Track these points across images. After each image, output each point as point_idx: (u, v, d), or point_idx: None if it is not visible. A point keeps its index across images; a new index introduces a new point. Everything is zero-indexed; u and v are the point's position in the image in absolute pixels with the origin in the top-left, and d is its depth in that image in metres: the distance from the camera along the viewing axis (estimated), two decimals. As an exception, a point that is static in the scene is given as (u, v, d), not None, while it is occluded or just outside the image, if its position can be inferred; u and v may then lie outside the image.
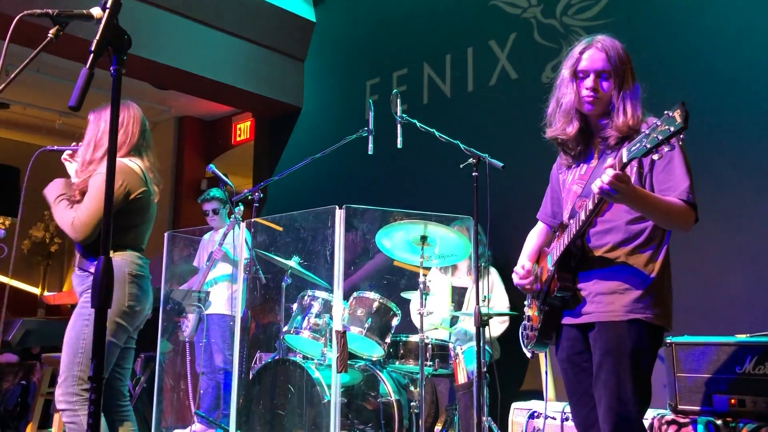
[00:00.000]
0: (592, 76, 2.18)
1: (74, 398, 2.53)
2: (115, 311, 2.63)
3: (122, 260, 2.69)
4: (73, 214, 2.61)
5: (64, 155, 2.84)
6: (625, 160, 1.88)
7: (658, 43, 4.27)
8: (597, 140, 2.27)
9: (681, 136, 1.73)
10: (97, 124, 2.79)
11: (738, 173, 3.83)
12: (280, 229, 4.47)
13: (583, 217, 2.07)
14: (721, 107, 3.89)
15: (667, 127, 1.74)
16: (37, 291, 9.35)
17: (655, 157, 1.81)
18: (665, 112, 1.76)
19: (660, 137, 1.75)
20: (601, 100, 2.19)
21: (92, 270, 2.64)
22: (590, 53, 2.20)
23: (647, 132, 1.79)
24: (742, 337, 2.92)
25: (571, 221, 2.16)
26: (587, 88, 2.18)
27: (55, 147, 2.82)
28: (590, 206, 2.03)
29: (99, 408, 1.30)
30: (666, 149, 1.77)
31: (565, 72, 2.25)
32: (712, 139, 3.89)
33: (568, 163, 2.33)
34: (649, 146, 1.78)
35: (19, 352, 5.89)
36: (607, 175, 1.89)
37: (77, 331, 2.59)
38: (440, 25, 5.63)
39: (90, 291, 2.55)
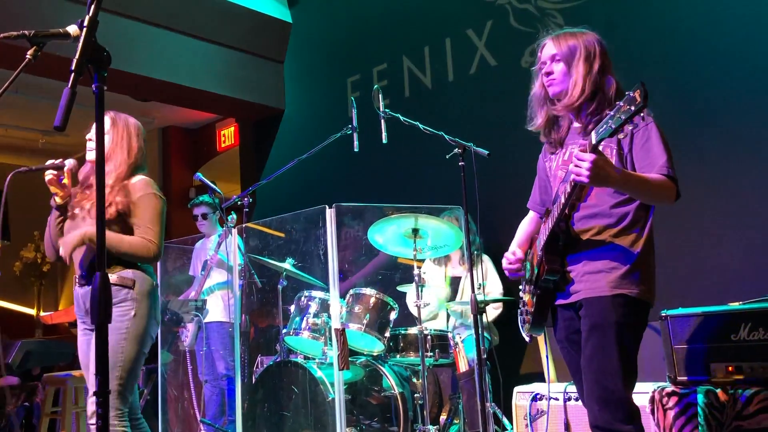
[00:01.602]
0: (547, 62, 2.33)
1: (114, 412, 2.59)
2: (146, 324, 2.70)
3: (146, 274, 2.78)
4: (143, 241, 2.69)
5: (49, 176, 2.76)
6: (593, 141, 1.94)
7: (632, 22, 4.31)
8: (574, 126, 2.32)
9: (642, 114, 1.82)
10: (122, 133, 2.84)
11: (721, 143, 3.87)
12: (281, 234, 4.48)
13: (562, 200, 2.11)
14: (700, 80, 3.92)
15: (629, 107, 1.81)
16: (32, 312, 9.31)
17: (621, 136, 1.92)
18: (627, 92, 1.82)
19: (623, 117, 1.82)
20: (555, 81, 2.30)
21: (127, 281, 2.69)
22: (544, 47, 2.37)
23: (612, 113, 1.86)
24: (735, 305, 2.96)
25: (554, 206, 2.20)
26: (545, 74, 2.33)
27: (32, 168, 2.77)
28: (568, 189, 2.08)
29: (107, 423, 1.31)
30: (630, 127, 1.87)
31: (535, 69, 2.41)
32: (694, 111, 3.92)
33: (551, 150, 2.40)
34: (614, 126, 1.86)
35: (20, 374, 5.88)
36: (576, 158, 1.96)
37: (114, 345, 2.59)
38: (417, 18, 5.64)
39: (123, 304, 2.65)
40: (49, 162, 2.77)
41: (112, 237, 2.63)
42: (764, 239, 3.68)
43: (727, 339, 2.89)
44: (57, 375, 4.86)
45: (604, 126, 1.89)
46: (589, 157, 1.93)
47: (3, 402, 5.48)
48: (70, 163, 2.76)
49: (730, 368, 2.85)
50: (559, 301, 2.28)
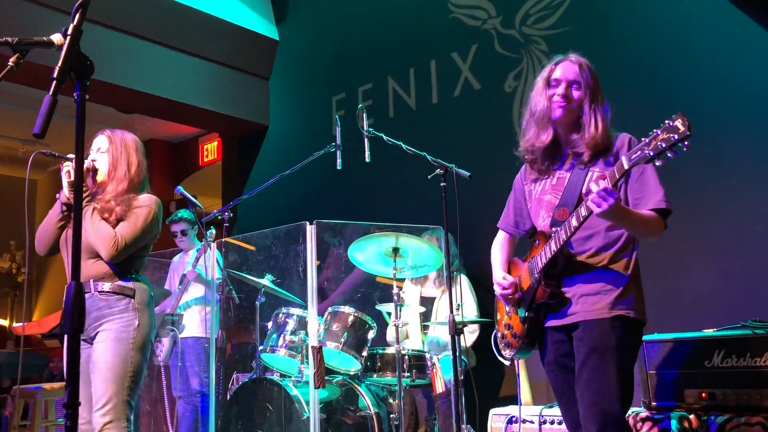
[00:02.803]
0: (563, 84, 2.28)
1: (124, 423, 2.56)
2: (148, 332, 2.72)
3: (144, 286, 2.78)
4: (113, 231, 2.67)
5: (68, 167, 2.70)
6: (626, 166, 1.95)
7: (614, 51, 4.38)
8: (567, 152, 2.33)
9: (686, 143, 1.82)
10: (119, 149, 2.84)
11: (698, 170, 3.93)
12: (253, 248, 4.46)
13: (575, 223, 2.12)
14: (680, 108, 3.97)
15: (669, 134, 1.82)
16: (5, 323, 9.15)
17: (658, 163, 1.89)
18: (665, 121, 1.83)
19: (663, 145, 1.83)
20: (570, 108, 2.26)
21: (128, 290, 2.70)
22: (564, 64, 2.31)
23: (647, 141, 1.87)
24: (709, 332, 3.00)
25: (555, 229, 2.20)
26: (558, 94, 2.27)
27: (55, 153, 2.71)
28: (584, 213, 2.08)
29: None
30: (669, 155, 1.85)
31: (539, 81, 2.35)
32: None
33: (536, 176, 2.39)
34: (652, 154, 1.86)
35: (-11, 385, 5.76)
36: (602, 189, 1.95)
37: (123, 356, 2.61)
38: (403, 39, 5.70)
39: (125, 314, 2.64)
40: (72, 155, 2.71)
41: (98, 222, 2.67)
42: (739, 266, 3.73)
43: (700, 365, 2.92)
44: (27, 388, 4.77)
45: (639, 152, 1.89)
46: (614, 192, 1.95)
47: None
48: (87, 162, 2.76)
49: (703, 394, 2.88)
50: (551, 323, 2.28)
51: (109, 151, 2.83)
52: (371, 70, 5.88)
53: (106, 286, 2.69)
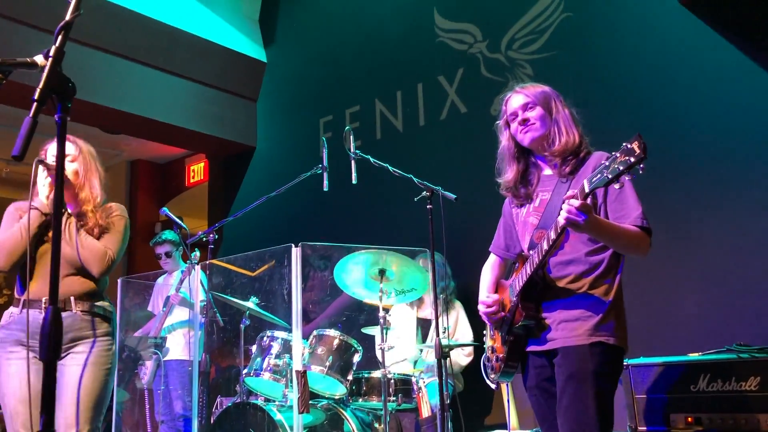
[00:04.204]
0: (519, 112, 2.36)
1: None
2: (112, 359, 2.66)
3: (111, 307, 2.73)
4: (103, 247, 2.62)
5: (49, 178, 2.59)
6: (587, 190, 1.96)
7: (599, 75, 4.43)
8: (546, 174, 2.36)
9: (641, 165, 1.81)
10: (88, 158, 2.75)
11: (684, 196, 3.96)
12: (250, 273, 4.41)
13: (545, 246, 2.13)
14: (663, 133, 4.03)
15: (626, 157, 1.82)
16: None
17: (617, 186, 1.90)
18: (623, 143, 1.84)
19: (621, 167, 1.83)
20: (534, 126, 2.33)
21: (108, 312, 2.66)
22: (510, 98, 2.42)
23: (606, 163, 1.88)
24: (694, 356, 3.00)
25: (532, 252, 2.21)
26: (519, 123, 2.36)
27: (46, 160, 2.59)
28: (552, 236, 2.09)
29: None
30: (627, 178, 1.86)
31: (499, 124, 2.46)
32: (657, 164, 4.01)
33: (520, 203, 2.42)
34: (610, 176, 1.87)
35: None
36: (571, 205, 1.97)
37: (100, 381, 2.55)
38: (390, 62, 5.73)
39: (106, 338, 2.58)
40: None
41: (82, 236, 2.61)
42: (725, 291, 3.74)
43: (686, 390, 2.91)
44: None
45: (599, 175, 1.90)
46: (580, 203, 1.96)
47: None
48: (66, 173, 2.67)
49: (689, 419, 2.87)
50: (532, 348, 2.27)
51: (79, 160, 2.72)
52: (359, 93, 5.91)
53: (87, 305, 2.61)
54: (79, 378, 2.52)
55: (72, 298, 2.59)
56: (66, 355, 2.56)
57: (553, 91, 2.40)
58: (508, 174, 2.41)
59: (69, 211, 2.67)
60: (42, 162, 2.52)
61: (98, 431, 2.54)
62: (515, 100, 2.38)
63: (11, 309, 2.62)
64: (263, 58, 6.85)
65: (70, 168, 2.68)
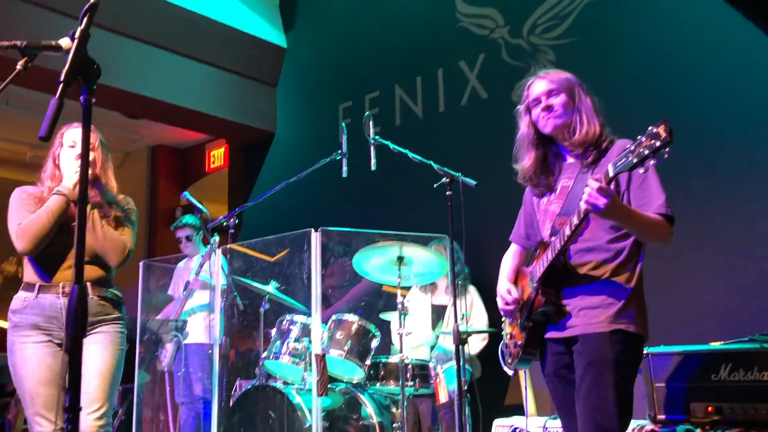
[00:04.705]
0: (543, 99, 2.31)
1: (109, 428, 2.55)
2: (124, 341, 2.75)
3: (120, 293, 2.80)
4: (122, 238, 2.68)
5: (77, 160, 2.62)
6: (611, 174, 1.94)
7: (622, 60, 4.37)
8: (568, 162, 2.34)
9: (667, 149, 1.80)
10: (101, 147, 2.76)
11: (708, 183, 3.92)
12: (270, 258, 4.43)
13: (567, 232, 2.11)
14: (687, 120, 3.98)
15: (652, 141, 1.81)
16: (9, 326, 9.15)
17: (641, 170, 1.88)
18: (649, 127, 1.82)
19: (646, 151, 1.82)
20: (558, 114, 2.29)
21: (120, 299, 2.74)
22: (533, 84, 2.37)
23: (632, 148, 1.86)
24: (716, 345, 2.97)
25: (553, 238, 2.20)
26: (542, 109, 2.31)
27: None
28: (575, 221, 2.08)
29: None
30: (651, 163, 1.84)
31: (520, 109, 2.41)
32: (681, 151, 3.96)
33: (540, 192, 2.40)
34: (635, 161, 1.85)
35: (-7, 389, 5.76)
36: (593, 188, 1.95)
37: (118, 361, 2.64)
38: (410, 48, 5.70)
39: (120, 321, 2.66)
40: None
41: (104, 227, 2.65)
42: (747, 280, 3.70)
43: (707, 379, 2.89)
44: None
45: (624, 159, 1.89)
46: (602, 185, 1.94)
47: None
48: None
49: (709, 408, 2.85)
50: (551, 334, 2.27)
51: (97, 150, 2.73)
52: (378, 79, 5.89)
53: (101, 291, 2.68)
54: (98, 358, 2.58)
55: (89, 285, 2.63)
56: (86, 336, 2.61)
57: (576, 78, 2.36)
58: (526, 161, 2.37)
59: (90, 201, 2.67)
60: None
61: (112, 409, 2.61)
62: (538, 85, 2.34)
63: (24, 294, 2.63)
64: (283, 44, 6.85)
65: (91, 157, 2.69)
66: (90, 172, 2.62)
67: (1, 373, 4.12)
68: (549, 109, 2.29)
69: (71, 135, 2.71)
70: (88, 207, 2.61)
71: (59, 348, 2.60)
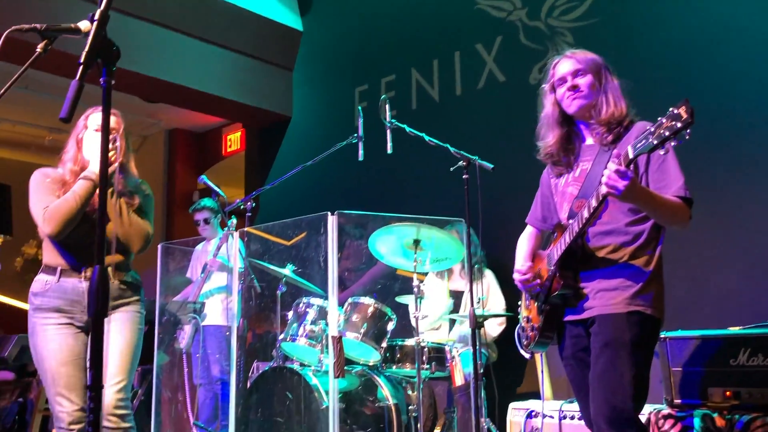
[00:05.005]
0: (569, 78, 2.30)
1: (128, 402, 2.60)
2: (143, 323, 2.80)
3: (139, 276, 2.85)
4: (146, 225, 2.72)
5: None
6: (631, 156, 1.93)
7: (642, 43, 4.32)
8: (588, 144, 2.32)
9: (688, 131, 1.78)
10: (125, 134, 2.73)
11: (729, 167, 3.87)
12: (286, 242, 4.45)
13: (586, 215, 2.10)
14: (709, 102, 3.92)
15: (673, 122, 1.79)
16: (31, 308, 9.28)
17: (661, 152, 1.87)
18: (670, 108, 1.80)
19: (666, 133, 1.80)
20: (583, 94, 2.27)
21: (140, 283, 2.78)
22: (560, 63, 2.35)
23: (652, 129, 1.85)
24: (735, 330, 2.95)
25: (571, 221, 2.19)
26: (568, 89, 2.29)
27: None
28: (594, 203, 2.07)
29: (99, 417, 1.30)
30: (672, 144, 1.82)
31: (545, 87, 2.40)
32: (702, 134, 3.91)
33: (559, 172, 2.38)
34: (655, 142, 1.83)
35: (16, 369, 5.86)
36: (612, 171, 1.94)
37: (137, 339, 2.70)
38: (427, 31, 5.66)
39: (139, 303, 2.71)
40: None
41: (129, 213, 2.67)
42: (766, 264, 3.66)
43: (725, 363, 2.87)
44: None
45: (644, 141, 1.87)
46: (622, 168, 1.93)
47: (-3, 397, 5.47)
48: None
49: (728, 393, 2.83)
50: (569, 317, 2.26)
51: (120, 134, 2.71)
52: (395, 62, 5.86)
53: (122, 275, 2.72)
54: (119, 337, 2.63)
55: (110, 269, 2.64)
56: (106, 319, 2.63)
57: (602, 59, 2.34)
58: (549, 138, 2.36)
59: (116, 188, 2.67)
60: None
61: (132, 383, 2.67)
62: (565, 65, 2.32)
63: (45, 277, 2.65)
64: (299, 27, 6.83)
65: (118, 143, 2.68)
66: (117, 159, 2.64)
67: (23, 353, 4.19)
68: (575, 89, 2.27)
69: (97, 119, 2.70)
70: (114, 195, 2.62)
71: (80, 331, 2.65)
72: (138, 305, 2.76)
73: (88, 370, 2.55)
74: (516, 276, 2.42)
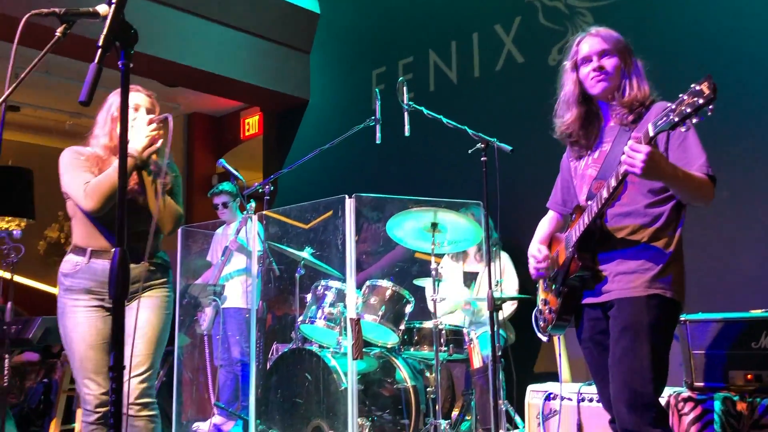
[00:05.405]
0: (594, 58, 2.24)
1: (153, 391, 2.57)
2: (172, 305, 2.78)
3: (168, 258, 2.82)
4: (178, 208, 2.71)
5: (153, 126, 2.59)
6: (651, 133, 1.89)
7: (663, 23, 4.25)
8: (608, 125, 2.29)
9: (710, 107, 1.75)
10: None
11: (749, 148, 3.81)
12: (305, 226, 4.46)
13: (605, 195, 2.08)
14: (731, 83, 3.86)
15: (694, 99, 1.76)
16: (54, 291, 9.43)
17: (683, 129, 1.83)
18: (692, 85, 1.77)
19: (688, 110, 1.77)
20: (610, 77, 2.23)
21: (168, 264, 2.75)
22: (587, 40, 2.28)
23: (673, 107, 1.82)
24: (756, 313, 2.92)
25: (590, 202, 2.17)
26: (593, 69, 2.24)
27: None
28: (613, 183, 2.04)
29: (120, 398, 1.33)
30: (693, 121, 1.79)
31: (567, 64, 2.34)
32: (724, 115, 3.85)
33: (579, 154, 2.36)
34: (676, 119, 1.80)
35: (40, 350, 5.97)
36: (633, 149, 1.90)
37: (165, 325, 2.65)
38: (444, 12, 5.61)
39: (168, 285, 2.68)
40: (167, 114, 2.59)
41: (162, 195, 2.63)
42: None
43: (747, 346, 2.85)
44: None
45: (665, 118, 1.84)
46: (645, 149, 1.89)
47: (23, 377, 5.58)
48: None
49: (749, 376, 2.81)
50: (587, 300, 2.25)
51: (157, 114, 2.69)
52: (412, 44, 5.82)
53: (153, 257, 2.68)
54: (146, 322, 2.59)
55: (143, 251, 2.62)
56: (136, 301, 2.61)
57: (623, 37, 2.29)
58: (568, 117, 2.32)
59: (152, 169, 2.65)
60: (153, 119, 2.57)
61: (158, 371, 2.65)
62: (591, 43, 2.26)
63: (75, 258, 2.63)
64: (316, 10, 6.80)
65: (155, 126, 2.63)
66: (159, 139, 2.60)
67: (47, 335, 4.25)
68: (600, 70, 2.22)
69: (135, 98, 2.68)
70: (149, 175, 2.61)
71: (109, 314, 2.61)
72: (166, 288, 2.72)
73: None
74: (531, 262, 2.41)
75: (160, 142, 2.60)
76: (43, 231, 9.37)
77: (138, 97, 2.70)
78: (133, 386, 2.50)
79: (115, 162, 2.54)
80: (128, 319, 2.54)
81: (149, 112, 2.69)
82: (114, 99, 2.72)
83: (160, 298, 2.68)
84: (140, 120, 2.61)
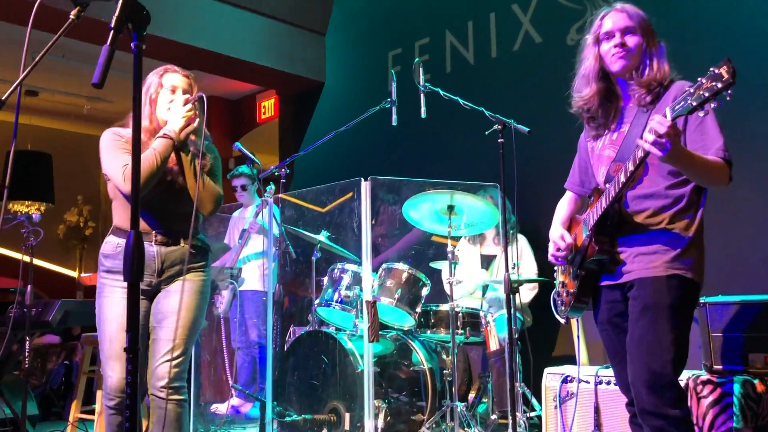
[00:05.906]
0: (617, 34, 2.20)
1: (184, 375, 2.54)
2: (208, 287, 2.73)
3: (207, 240, 2.77)
4: (218, 189, 2.64)
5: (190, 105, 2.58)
6: (669, 118, 1.86)
7: (683, 2, 4.16)
8: (627, 105, 2.25)
9: (729, 91, 1.72)
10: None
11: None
12: (321, 209, 4.45)
13: (623, 178, 2.06)
14: (754, 64, 3.78)
15: (713, 83, 1.73)
16: (74, 274, 9.57)
17: (701, 114, 1.81)
18: (710, 68, 1.74)
19: (706, 94, 1.75)
20: (630, 55, 2.19)
21: (208, 247, 2.71)
22: (611, 15, 2.24)
23: (691, 90, 1.79)
24: (777, 296, 2.88)
25: (608, 185, 2.15)
26: (615, 46, 2.20)
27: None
28: (630, 167, 2.02)
29: (137, 379, 1.33)
30: (712, 106, 1.76)
31: (588, 38, 2.29)
32: (745, 97, 3.78)
33: (596, 133, 2.32)
34: (694, 104, 1.78)
35: (61, 333, 6.06)
36: (656, 128, 1.86)
37: (201, 310, 2.62)
38: (461, -8, 5.55)
39: (206, 269, 2.63)
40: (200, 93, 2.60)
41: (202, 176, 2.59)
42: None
43: (766, 329, 2.81)
44: (95, 335, 4.97)
45: (682, 102, 1.81)
46: (669, 129, 1.86)
47: (45, 359, 5.67)
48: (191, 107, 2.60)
49: (768, 359, 2.78)
50: (606, 282, 2.23)
51: (194, 95, 2.65)
52: (428, 25, 5.77)
53: (194, 240, 2.62)
54: (183, 308, 2.55)
55: (183, 233, 2.61)
56: (174, 283, 2.59)
57: (646, 15, 2.25)
58: (586, 92, 2.27)
59: (191, 150, 2.61)
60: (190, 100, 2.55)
61: (190, 356, 2.60)
62: (615, 19, 2.21)
63: (116, 239, 2.60)
64: (331, -9, 6.76)
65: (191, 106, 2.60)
66: (195, 120, 2.58)
67: (66, 318, 4.30)
68: (623, 46, 2.18)
69: (172, 79, 2.66)
70: (188, 156, 2.57)
71: (144, 297, 2.59)
72: (203, 272, 2.67)
73: (148, 337, 2.56)
74: (551, 248, 2.39)
75: (197, 122, 2.58)
76: (62, 215, 9.47)
77: (175, 78, 2.67)
78: (165, 369, 2.47)
79: (154, 144, 2.51)
80: (169, 300, 2.58)
81: (186, 92, 2.65)
82: (152, 79, 2.67)
83: (198, 282, 2.63)
84: (177, 101, 2.59)
